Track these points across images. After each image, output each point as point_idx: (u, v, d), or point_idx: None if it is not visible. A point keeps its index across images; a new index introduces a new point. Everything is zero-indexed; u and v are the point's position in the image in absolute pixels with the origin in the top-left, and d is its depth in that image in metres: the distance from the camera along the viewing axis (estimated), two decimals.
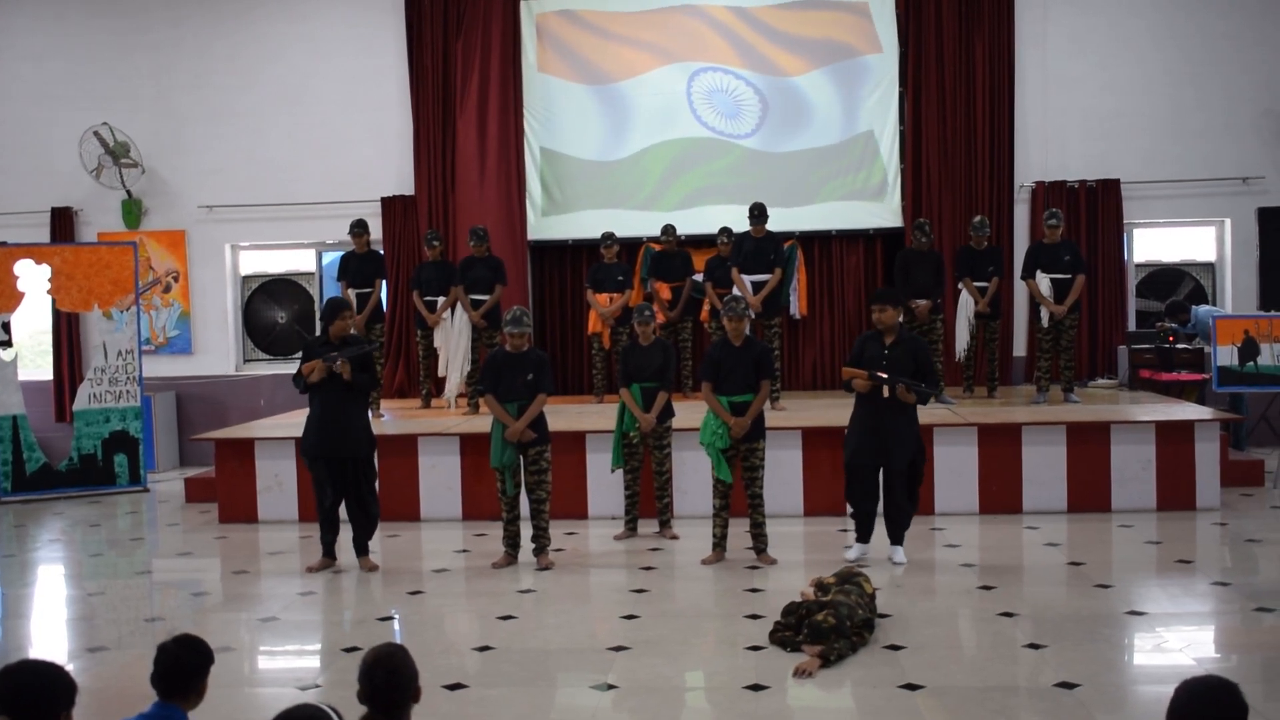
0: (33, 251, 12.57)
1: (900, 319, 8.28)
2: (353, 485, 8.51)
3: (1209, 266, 13.80)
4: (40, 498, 12.04)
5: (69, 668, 3.68)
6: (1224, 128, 13.32)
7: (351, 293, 11.78)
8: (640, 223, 13.48)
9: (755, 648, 6.44)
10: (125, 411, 12.44)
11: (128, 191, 14.27)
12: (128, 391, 12.46)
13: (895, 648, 6.37)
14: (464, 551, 9.18)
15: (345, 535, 8.68)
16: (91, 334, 13.02)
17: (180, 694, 3.78)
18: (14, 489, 12.03)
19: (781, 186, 13.41)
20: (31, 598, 8.50)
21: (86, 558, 9.69)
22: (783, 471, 9.83)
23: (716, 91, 13.71)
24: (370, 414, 11.79)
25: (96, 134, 13.98)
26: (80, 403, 12.37)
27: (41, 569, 9.35)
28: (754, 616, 7.05)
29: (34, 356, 15.63)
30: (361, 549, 8.61)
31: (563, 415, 10.84)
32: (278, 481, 10.47)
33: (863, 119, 13.53)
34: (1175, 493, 9.81)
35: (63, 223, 14.41)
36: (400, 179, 14.07)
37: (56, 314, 13.87)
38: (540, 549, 8.53)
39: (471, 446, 10.18)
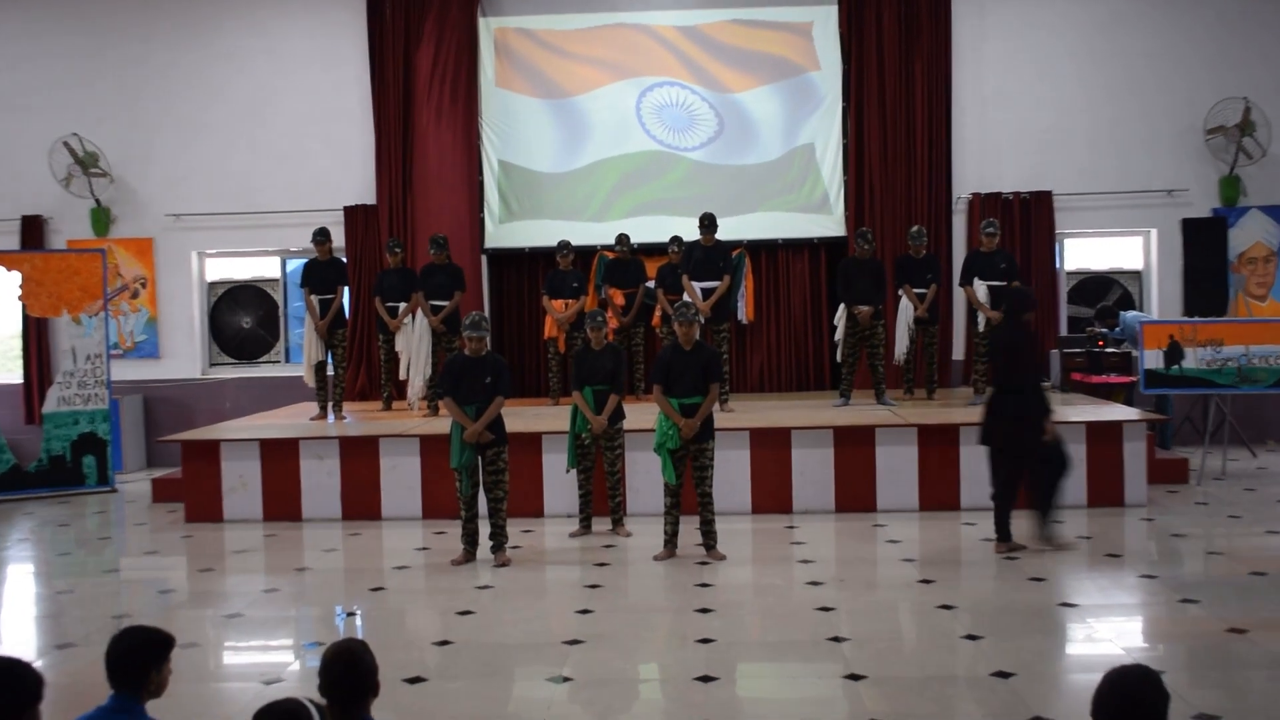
0: (3, 259, 12.41)
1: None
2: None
3: (1136, 274, 13.95)
4: (10, 498, 11.84)
5: (37, 664, 3.63)
6: (1149, 143, 13.47)
7: (315, 299, 11.70)
8: (594, 232, 13.45)
9: (705, 640, 6.44)
10: (94, 414, 12.27)
11: (96, 200, 14.08)
12: (96, 394, 12.30)
13: (838, 639, 6.39)
14: (424, 549, 9.12)
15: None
16: (61, 339, 12.84)
17: (132, 685, 3.70)
18: None
19: (729, 198, 13.43)
20: (0, 595, 8.37)
21: (55, 556, 9.55)
22: (731, 471, 9.83)
23: (666, 106, 13.71)
24: (333, 416, 11.79)
25: (66, 144, 13.79)
26: (49, 405, 12.19)
27: (10, 568, 9.21)
28: (704, 610, 7.05)
29: (4, 361, 15.41)
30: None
31: (520, 417, 10.80)
32: (242, 482, 10.36)
33: (807, 133, 13.58)
34: (1105, 490, 9.89)
35: (33, 230, 14.20)
36: (362, 189, 13.97)
37: (26, 319, 13.64)
38: (498, 546, 8.49)
39: (431, 448, 10.12)
